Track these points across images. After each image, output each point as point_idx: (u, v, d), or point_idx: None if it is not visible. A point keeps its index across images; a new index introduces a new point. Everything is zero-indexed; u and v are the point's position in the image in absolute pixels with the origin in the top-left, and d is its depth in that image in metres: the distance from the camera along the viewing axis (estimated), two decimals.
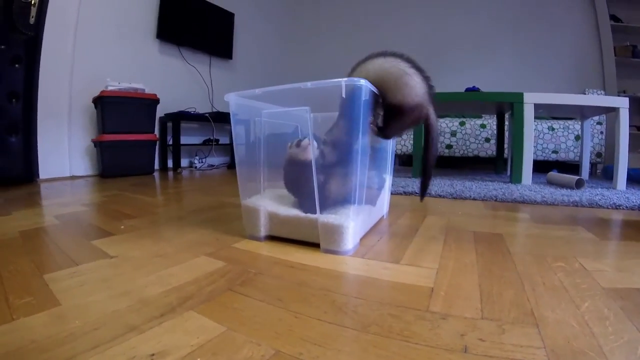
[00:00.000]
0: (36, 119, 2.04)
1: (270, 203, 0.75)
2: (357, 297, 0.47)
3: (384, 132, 0.76)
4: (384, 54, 0.76)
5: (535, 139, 2.62)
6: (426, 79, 0.75)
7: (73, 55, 2.28)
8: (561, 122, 2.63)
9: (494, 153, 2.67)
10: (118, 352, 0.35)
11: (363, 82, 0.59)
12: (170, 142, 2.87)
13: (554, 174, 1.76)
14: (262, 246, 0.71)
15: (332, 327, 0.39)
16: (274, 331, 0.38)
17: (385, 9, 3.97)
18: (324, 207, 0.66)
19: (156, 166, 2.79)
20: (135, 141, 2.35)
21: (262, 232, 0.74)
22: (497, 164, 2.50)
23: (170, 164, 2.92)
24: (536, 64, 3.32)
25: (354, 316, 0.42)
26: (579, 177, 1.55)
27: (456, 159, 3.11)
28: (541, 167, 2.71)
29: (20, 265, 0.64)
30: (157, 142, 2.57)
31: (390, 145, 0.97)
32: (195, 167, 3.03)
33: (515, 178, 1.74)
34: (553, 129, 2.62)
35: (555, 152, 2.61)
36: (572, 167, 2.64)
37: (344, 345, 0.36)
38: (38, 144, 2.06)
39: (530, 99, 1.72)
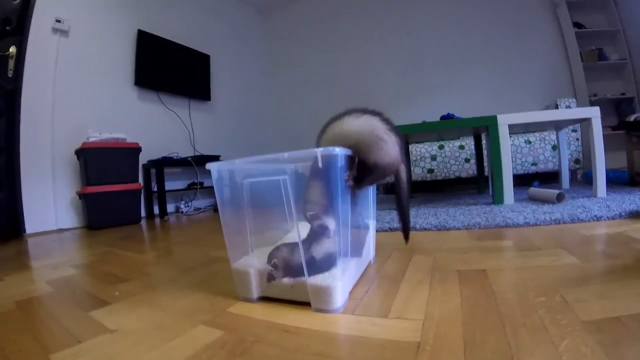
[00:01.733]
0: (19, 173, 2.08)
1: (260, 264, 0.80)
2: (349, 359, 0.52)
3: (358, 184, 0.82)
4: (359, 112, 0.83)
5: (514, 153, 2.76)
6: (400, 138, 0.83)
7: (53, 106, 2.36)
8: (537, 134, 2.78)
9: (475, 172, 2.81)
10: None
11: (338, 150, 0.66)
12: (155, 189, 2.91)
13: (534, 190, 1.84)
14: (256, 308, 0.76)
15: None
16: None
17: (362, 40, 4.20)
18: (312, 270, 0.72)
19: (143, 214, 2.81)
20: (119, 191, 2.39)
21: (255, 294, 0.79)
22: (479, 184, 2.62)
23: (156, 210, 2.95)
24: (509, 81, 3.56)
25: None
26: (559, 192, 1.63)
27: (439, 182, 3.24)
28: (522, 180, 2.85)
29: (24, 344, 0.67)
30: (142, 191, 2.61)
31: (371, 191, 1.01)
32: (182, 212, 3.06)
33: (498, 199, 1.83)
34: (530, 142, 2.76)
35: (534, 164, 2.75)
36: (552, 176, 2.78)
37: None
38: (23, 198, 2.08)
39: (504, 121, 1.83)
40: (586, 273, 0.75)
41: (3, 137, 2.04)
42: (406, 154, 2.96)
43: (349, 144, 0.78)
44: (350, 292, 0.79)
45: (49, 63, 2.36)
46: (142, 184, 2.67)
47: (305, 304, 0.74)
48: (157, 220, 2.64)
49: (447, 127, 2.04)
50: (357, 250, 0.88)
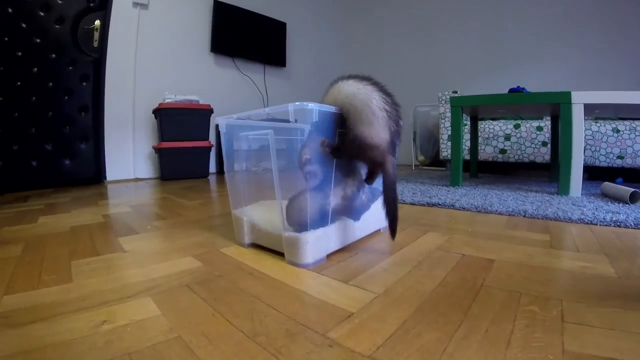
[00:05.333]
0: (104, 129, 2.53)
1: (254, 214, 0.88)
2: (276, 309, 0.55)
3: (336, 151, 0.77)
4: (365, 79, 0.79)
5: (598, 142, 2.36)
6: (396, 122, 0.75)
7: (134, 72, 2.74)
8: (628, 122, 2.34)
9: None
10: (86, 317, 0.53)
11: (312, 105, 0.67)
12: None
13: (609, 185, 1.60)
14: (243, 253, 0.84)
15: (231, 329, 0.48)
16: (189, 322, 0.50)
17: (440, 8, 3.90)
18: (294, 222, 0.76)
19: (213, 169, 3.14)
20: (190, 148, 2.70)
21: (247, 240, 0.88)
22: (552, 171, 2.33)
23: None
24: (601, 58, 2.99)
25: (257, 325, 0.49)
26: (634, 190, 1.41)
27: (510, 164, 2.94)
28: (604, 174, 2.46)
29: (59, 252, 0.88)
30: (211, 149, 2.89)
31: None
32: (253, 172, 3.33)
33: (563, 189, 1.62)
34: (618, 131, 2.33)
35: (620, 157, 2.33)
36: None
37: (227, 345, 0.45)
38: (106, 150, 2.53)
39: (580, 99, 1.58)
40: (614, 292, 0.61)
41: (90, 98, 2.51)
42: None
43: (341, 107, 0.76)
44: (334, 254, 0.82)
45: (131, 34, 2.73)
46: (213, 143, 2.97)
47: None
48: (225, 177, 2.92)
49: (507, 102, 1.83)
50: (352, 213, 0.87)
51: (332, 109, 0.75)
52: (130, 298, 0.59)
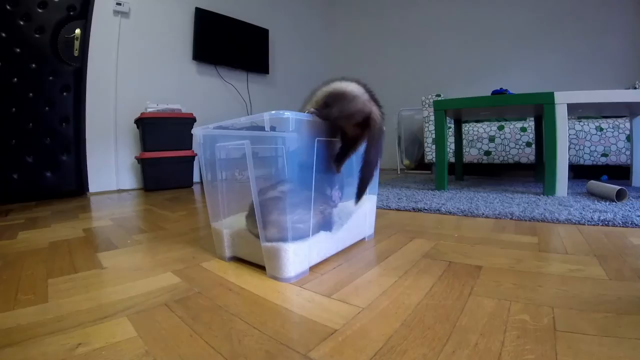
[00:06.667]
0: (85, 139, 2.50)
1: (234, 225, 0.88)
2: (256, 327, 0.54)
3: (324, 113, 0.80)
4: (348, 79, 0.85)
5: (582, 141, 2.45)
6: (379, 105, 0.83)
7: (116, 81, 2.72)
8: (610, 120, 2.42)
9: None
10: (61, 339, 0.52)
11: (288, 113, 0.67)
12: None
13: (594, 184, 1.65)
14: (224, 267, 0.84)
15: (209, 351, 0.47)
16: (165, 344, 0.50)
17: (421, 12, 3.99)
18: (269, 231, 0.75)
19: (197, 179, 3.12)
20: (174, 157, 2.68)
21: (227, 253, 0.88)
22: (537, 171, 2.40)
23: None
24: (584, 58, 3.10)
25: (236, 346, 0.48)
26: (620, 187, 1.44)
27: (495, 166, 3.02)
28: (589, 172, 2.55)
29: (36, 270, 0.86)
30: (195, 157, 2.88)
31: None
32: (236, 180, 3.32)
33: (549, 189, 1.66)
34: (601, 129, 2.41)
35: (605, 155, 2.41)
36: (625, 171, 2.46)
37: None
38: (88, 161, 2.49)
39: (563, 99, 1.62)
40: (606, 295, 0.60)
41: (71, 109, 2.48)
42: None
43: (327, 94, 0.81)
44: (317, 266, 0.82)
45: (112, 42, 2.72)
46: (196, 152, 2.95)
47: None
48: None
49: (492, 104, 1.87)
50: (327, 224, 0.87)
51: (308, 116, 0.76)
52: (106, 318, 0.58)
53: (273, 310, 0.61)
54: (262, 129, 0.73)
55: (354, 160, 0.92)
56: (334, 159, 0.88)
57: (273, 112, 0.68)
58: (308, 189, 0.78)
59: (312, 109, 0.78)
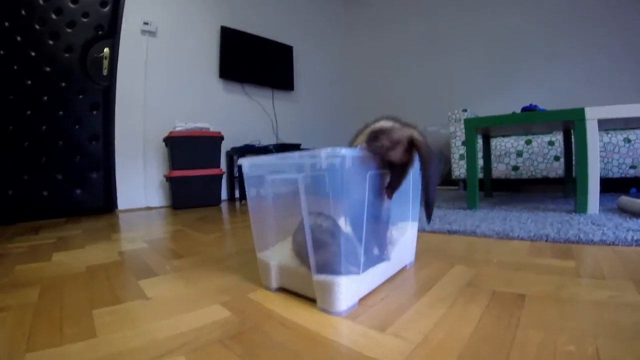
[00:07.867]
0: (114, 157, 2.55)
1: (282, 254, 0.86)
2: None
3: (373, 146, 0.82)
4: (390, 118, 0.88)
5: (610, 153, 2.38)
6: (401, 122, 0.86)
7: (144, 99, 2.80)
8: (638, 131, 2.34)
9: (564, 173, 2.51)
10: None
11: (344, 151, 0.67)
12: (237, 175, 3.21)
13: (625, 199, 1.57)
14: (272, 298, 0.82)
15: None
16: None
17: (447, 26, 3.97)
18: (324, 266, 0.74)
19: (225, 196, 3.14)
20: (201, 176, 2.71)
21: (274, 284, 0.86)
22: (566, 185, 2.35)
23: (237, 194, 3.26)
24: (611, 69, 3.02)
25: None
26: None
27: (524, 181, 2.97)
28: (618, 185, 2.46)
29: (78, 298, 0.87)
30: (223, 176, 2.91)
31: (411, 187, 0.98)
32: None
33: (580, 207, 1.62)
34: (629, 141, 2.33)
35: (633, 167, 2.32)
36: None
37: None
38: (117, 179, 2.53)
39: (594, 114, 1.59)
40: None
41: (100, 127, 2.55)
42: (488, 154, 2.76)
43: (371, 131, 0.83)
44: (364, 298, 0.80)
45: (140, 61, 2.81)
46: (224, 170, 2.99)
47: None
48: (237, 204, 2.93)
49: (521, 121, 1.86)
50: (378, 254, 0.87)
51: (360, 152, 0.76)
52: (163, 357, 0.57)
53: (330, 347, 0.59)
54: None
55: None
56: (385, 188, 0.88)
57: (329, 149, 0.67)
58: (360, 222, 0.76)
59: (363, 143, 0.80)
